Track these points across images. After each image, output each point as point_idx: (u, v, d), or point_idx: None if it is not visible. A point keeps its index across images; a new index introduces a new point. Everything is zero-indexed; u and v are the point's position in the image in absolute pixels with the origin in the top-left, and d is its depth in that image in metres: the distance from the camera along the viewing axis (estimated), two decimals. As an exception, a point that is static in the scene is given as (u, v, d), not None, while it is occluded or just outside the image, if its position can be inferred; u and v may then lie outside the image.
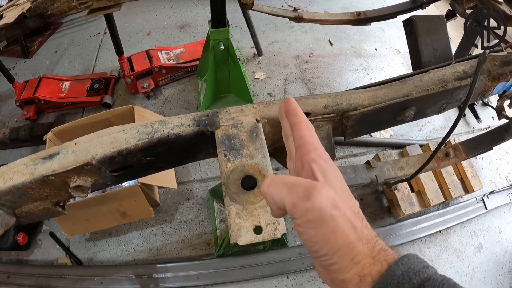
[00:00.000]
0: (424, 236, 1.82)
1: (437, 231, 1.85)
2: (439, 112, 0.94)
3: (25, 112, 2.28)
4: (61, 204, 0.75)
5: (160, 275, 1.61)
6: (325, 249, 0.34)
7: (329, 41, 2.75)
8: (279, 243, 1.69)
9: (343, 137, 0.84)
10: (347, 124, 0.78)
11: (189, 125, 0.68)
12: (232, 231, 0.50)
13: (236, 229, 0.50)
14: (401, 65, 2.65)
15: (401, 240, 1.79)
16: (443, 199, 1.83)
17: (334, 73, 2.51)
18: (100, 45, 2.61)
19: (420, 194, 1.86)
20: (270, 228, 0.51)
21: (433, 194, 1.81)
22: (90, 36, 2.70)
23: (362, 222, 0.37)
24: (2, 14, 1.46)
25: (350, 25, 1.98)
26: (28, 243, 1.77)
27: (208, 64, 1.94)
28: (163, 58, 2.13)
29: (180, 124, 0.69)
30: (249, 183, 0.56)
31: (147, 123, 0.69)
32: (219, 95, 2.07)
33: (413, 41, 1.16)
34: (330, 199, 0.34)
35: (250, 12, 2.07)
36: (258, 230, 0.51)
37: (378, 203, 1.93)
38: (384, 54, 2.72)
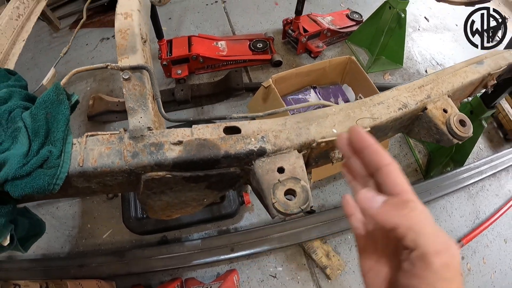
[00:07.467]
0: None
1: None
2: None
3: (179, 71, 2.10)
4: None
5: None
6: None
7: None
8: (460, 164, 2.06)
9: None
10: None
11: None
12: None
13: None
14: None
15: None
16: None
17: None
18: (226, 12, 2.57)
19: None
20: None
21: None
22: (207, 4, 2.62)
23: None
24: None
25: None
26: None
27: (375, 31, 2.26)
28: (325, 22, 2.33)
29: None
30: None
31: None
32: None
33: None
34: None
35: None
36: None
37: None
38: None
